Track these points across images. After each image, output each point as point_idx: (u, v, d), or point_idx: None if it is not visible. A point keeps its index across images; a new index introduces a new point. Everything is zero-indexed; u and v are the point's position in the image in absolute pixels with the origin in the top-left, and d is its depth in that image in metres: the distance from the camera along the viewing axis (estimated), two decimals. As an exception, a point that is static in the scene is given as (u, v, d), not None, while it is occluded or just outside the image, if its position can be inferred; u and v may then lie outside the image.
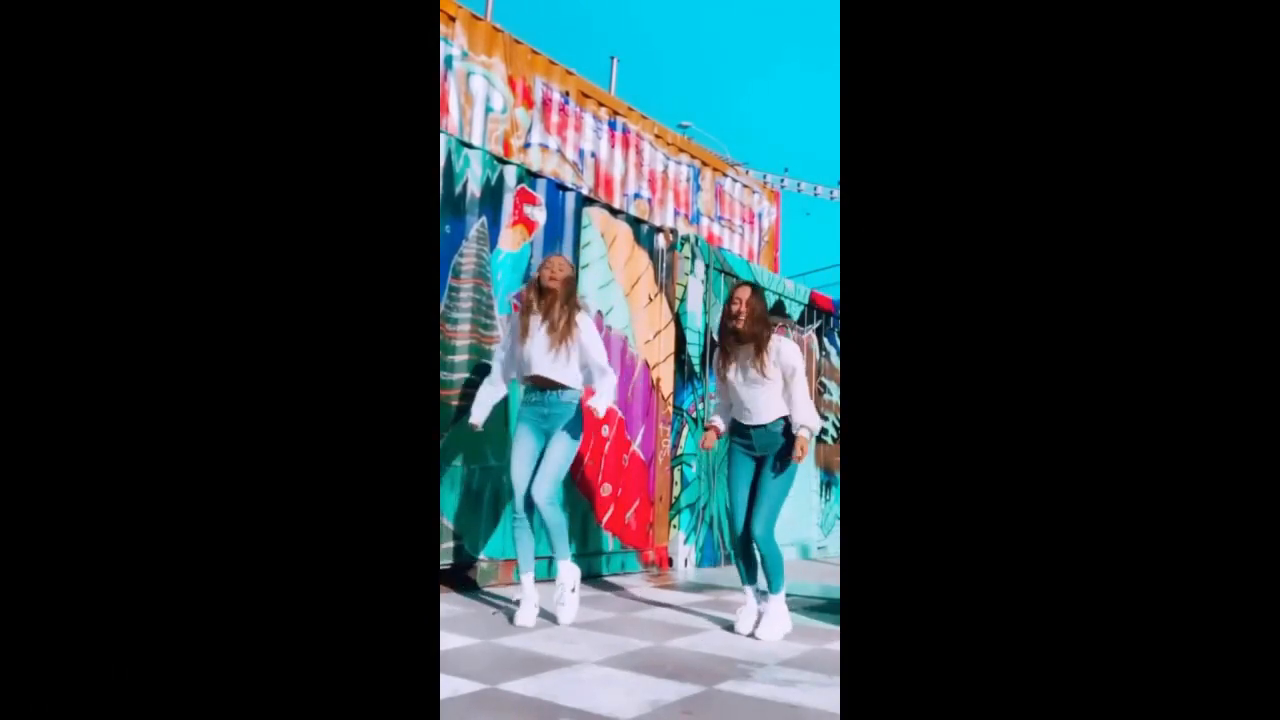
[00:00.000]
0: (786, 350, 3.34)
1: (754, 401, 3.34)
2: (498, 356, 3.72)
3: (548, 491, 3.41)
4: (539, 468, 3.45)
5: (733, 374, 3.40)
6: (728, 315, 3.41)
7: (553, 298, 3.47)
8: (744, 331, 3.34)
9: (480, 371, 4.14)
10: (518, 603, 3.39)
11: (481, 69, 5.73)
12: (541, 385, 3.51)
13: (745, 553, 3.37)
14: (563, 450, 3.48)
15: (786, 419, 3.33)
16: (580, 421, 3.57)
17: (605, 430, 4.91)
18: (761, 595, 3.37)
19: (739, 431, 3.43)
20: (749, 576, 3.41)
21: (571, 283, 3.58)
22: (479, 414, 3.64)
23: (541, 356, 3.47)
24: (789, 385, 3.32)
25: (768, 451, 3.34)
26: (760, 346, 3.33)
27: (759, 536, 3.26)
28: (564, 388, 3.49)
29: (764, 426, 3.34)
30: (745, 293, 3.39)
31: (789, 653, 3.00)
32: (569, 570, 3.45)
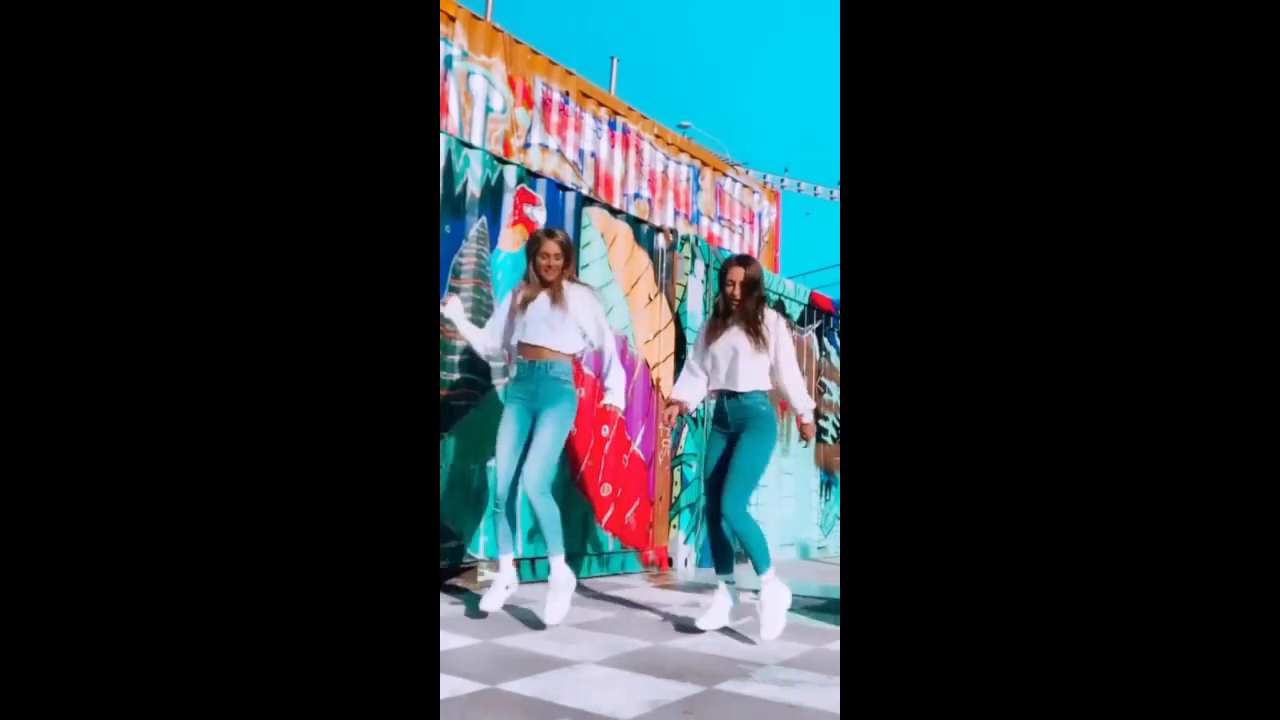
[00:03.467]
0: (781, 326, 3.39)
1: (735, 370, 3.33)
2: (491, 324, 3.61)
3: (536, 480, 3.17)
4: (526, 454, 3.22)
5: (719, 345, 3.38)
6: (721, 292, 3.44)
7: (556, 279, 3.38)
8: (736, 308, 3.37)
9: (481, 372, 4.15)
10: (488, 584, 3.29)
11: (481, 69, 5.72)
12: (531, 356, 3.33)
13: (716, 538, 3.34)
14: (551, 433, 3.23)
15: (764, 394, 3.35)
16: (572, 402, 3.36)
17: (605, 430, 4.91)
18: (731, 587, 3.31)
19: (717, 408, 3.44)
20: (723, 566, 3.34)
21: (571, 259, 3.48)
22: (455, 310, 3.54)
23: (536, 324, 3.33)
24: (776, 358, 3.35)
25: (741, 425, 3.32)
26: (750, 320, 3.34)
27: (728, 513, 3.18)
28: (554, 360, 3.31)
29: (739, 396, 3.33)
30: (738, 274, 3.38)
31: (789, 653, 2.99)
32: (562, 569, 3.22)
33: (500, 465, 3.30)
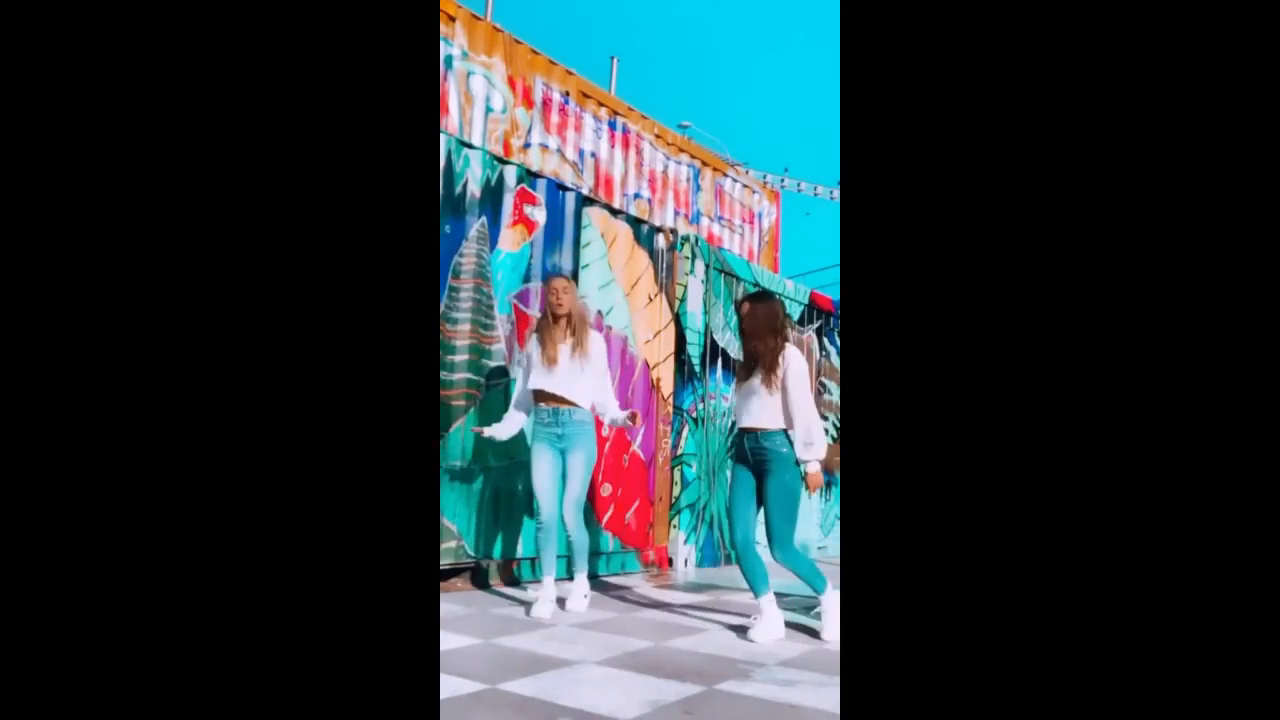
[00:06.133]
0: (792, 364, 3.32)
1: (750, 409, 3.34)
2: (517, 386, 3.97)
3: (576, 516, 3.65)
4: (565, 493, 3.66)
5: (743, 384, 3.41)
6: (739, 328, 3.49)
7: (567, 320, 3.69)
8: (750, 347, 3.39)
9: (481, 372, 4.15)
10: (530, 604, 3.58)
11: (481, 69, 5.73)
12: (555, 404, 3.67)
13: (744, 562, 3.31)
14: (582, 473, 3.67)
15: (782, 433, 3.31)
16: (594, 440, 3.75)
17: (605, 430, 4.92)
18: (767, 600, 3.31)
19: (737, 442, 3.45)
20: (757, 587, 3.30)
21: (580, 303, 3.81)
22: (496, 431, 3.88)
23: (558, 375, 3.67)
24: (787, 396, 3.28)
25: (761, 466, 3.31)
26: (767, 360, 3.30)
27: (778, 559, 3.26)
28: (575, 408, 3.68)
29: (756, 433, 3.32)
30: (745, 307, 3.43)
31: (789, 653, 3.00)
32: (584, 582, 3.73)
33: (542, 496, 3.68)
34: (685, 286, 5.53)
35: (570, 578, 3.80)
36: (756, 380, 3.32)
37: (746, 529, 3.32)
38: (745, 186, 8.80)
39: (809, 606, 3.98)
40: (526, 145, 6.05)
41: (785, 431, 3.31)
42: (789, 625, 3.38)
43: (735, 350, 3.57)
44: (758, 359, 3.34)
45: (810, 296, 6.87)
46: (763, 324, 3.36)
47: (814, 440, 3.25)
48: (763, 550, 3.33)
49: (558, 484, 3.68)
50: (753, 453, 3.34)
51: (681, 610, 3.79)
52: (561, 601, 3.66)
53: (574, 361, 3.66)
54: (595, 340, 3.77)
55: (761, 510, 3.34)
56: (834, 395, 7.04)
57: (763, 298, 3.49)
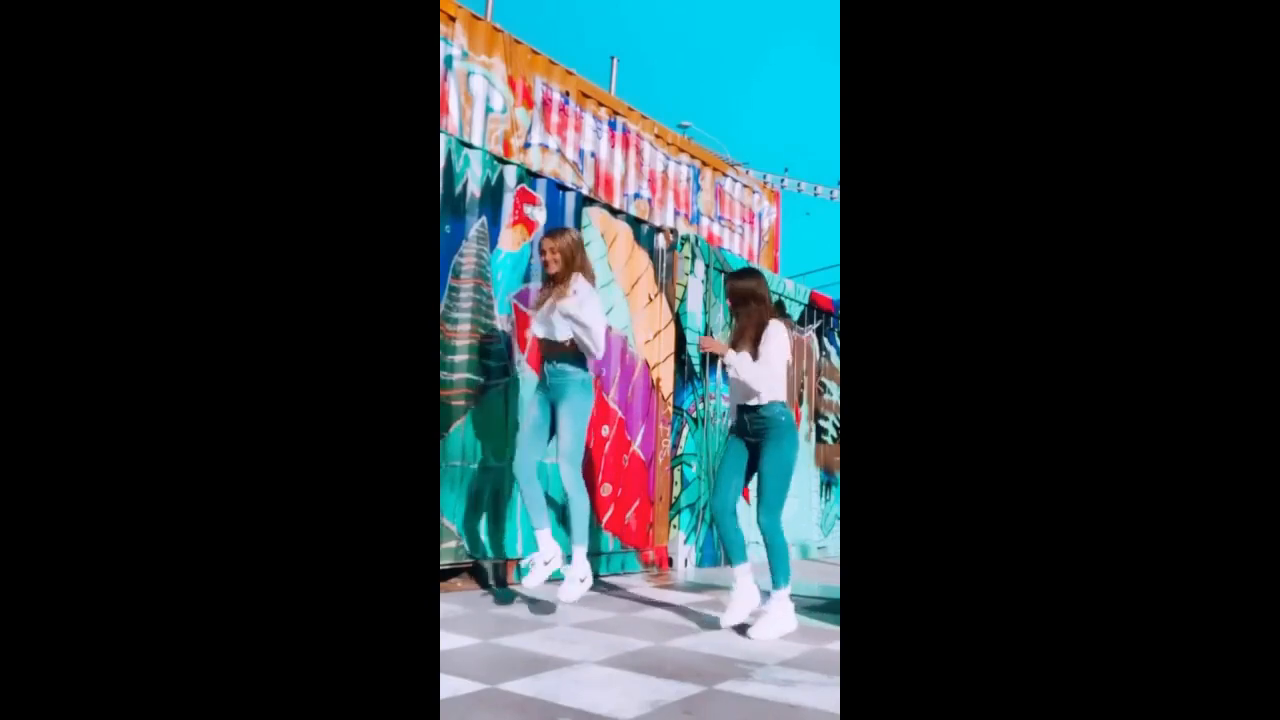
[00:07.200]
0: (774, 337, 3.39)
1: (747, 384, 3.40)
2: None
3: (570, 473, 3.47)
4: (559, 453, 3.51)
5: (733, 356, 3.48)
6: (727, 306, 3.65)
7: (559, 274, 3.57)
8: (736, 320, 3.50)
9: (481, 372, 4.15)
10: (529, 566, 3.52)
11: (481, 69, 5.72)
12: (544, 352, 3.60)
13: (720, 527, 3.41)
14: (570, 425, 3.50)
15: (781, 404, 3.38)
16: (582, 387, 3.57)
17: (605, 430, 4.91)
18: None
19: (737, 419, 3.49)
20: (732, 555, 3.40)
21: (572, 250, 3.59)
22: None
23: (538, 323, 3.61)
24: (762, 359, 3.37)
25: (760, 435, 3.38)
26: (751, 331, 3.40)
27: (761, 524, 3.31)
28: (559, 354, 3.53)
29: (756, 409, 3.38)
30: (728, 288, 3.54)
31: (789, 653, 3.00)
32: (582, 561, 3.48)
33: (519, 444, 3.61)
34: (685, 286, 5.53)
35: (566, 557, 3.52)
36: (745, 354, 3.39)
37: (726, 497, 3.41)
38: (745, 186, 8.79)
39: (809, 606, 3.98)
40: (526, 145, 6.04)
41: (783, 401, 3.38)
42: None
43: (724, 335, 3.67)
44: (743, 331, 3.43)
45: (810, 296, 6.87)
46: (745, 296, 3.47)
47: (753, 377, 3.32)
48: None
49: (533, 433, 3.57)
50: (753, 427, 3.40)
51: (681, 610, 3.79)
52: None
53: (552, 308, 3.53)
54: (580, 288, 3.53)
55: (755, 477, 3.40)
56: (834, 395, 7.04)
57: (744, 274, 3.60)
